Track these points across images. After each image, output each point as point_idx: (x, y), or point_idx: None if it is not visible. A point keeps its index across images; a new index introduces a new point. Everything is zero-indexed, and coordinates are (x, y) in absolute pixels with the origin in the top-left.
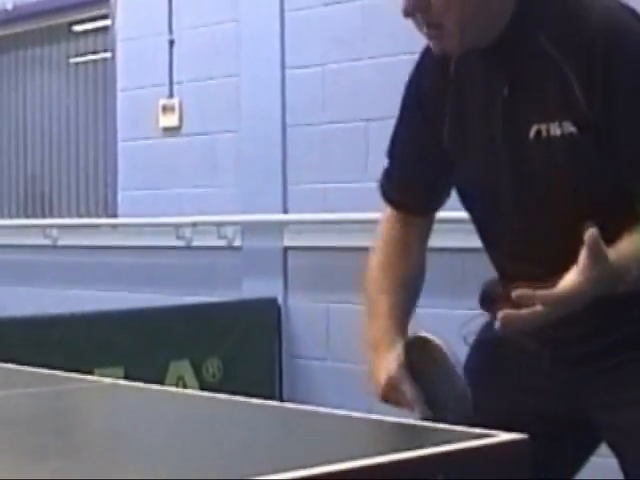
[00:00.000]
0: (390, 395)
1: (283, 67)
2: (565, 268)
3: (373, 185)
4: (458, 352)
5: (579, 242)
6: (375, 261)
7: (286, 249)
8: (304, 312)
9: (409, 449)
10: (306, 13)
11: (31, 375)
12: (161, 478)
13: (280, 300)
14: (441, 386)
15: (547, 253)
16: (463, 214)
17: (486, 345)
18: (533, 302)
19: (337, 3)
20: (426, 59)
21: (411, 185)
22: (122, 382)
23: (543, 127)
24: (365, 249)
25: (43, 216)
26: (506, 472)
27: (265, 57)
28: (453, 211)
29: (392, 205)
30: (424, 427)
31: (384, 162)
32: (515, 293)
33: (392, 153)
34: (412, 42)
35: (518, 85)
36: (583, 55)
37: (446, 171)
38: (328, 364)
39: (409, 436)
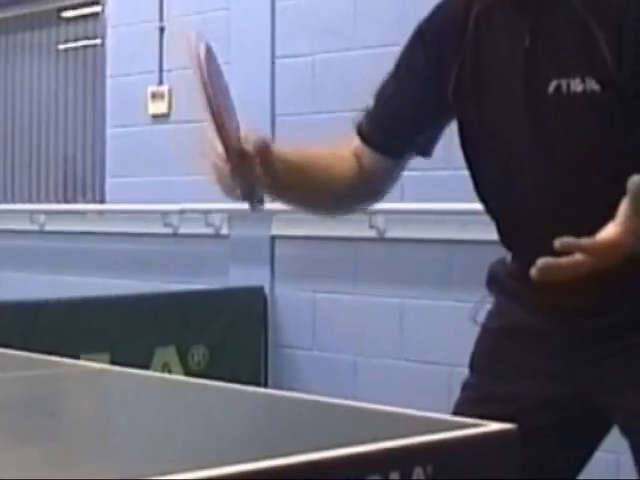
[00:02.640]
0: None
1: (273, 56)
2: (589, 232)
3: None
4: (459, 339)
5: (601, 204)
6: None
7: (273, 238)
8: (290, 301)
9: (396, 438)
10: (297, 2)
11: (19, 359)
12: (147, 462)
13: (267, 289)
14: None
15: (568, 214)
16: (449, 206)
17: (492, 331)
18: (577, 250)
19: None
20: (440, 11)
21: (390, 127)
22: (110, 367)
23: (564, 82)
24: (352, 239)
25: (30, 201)
26: (495, 461)
27: (255, 46)
28: (439, 203)
29: (362, 138)
30: (412, 416)
31: (369, 101)
32: (559, 241)
33: (380, 94)
34: (403, 32)
35: (540, 37)
36: (613, 12)
37: (433, 121)
38: (314, 353)
39: (396, 425)
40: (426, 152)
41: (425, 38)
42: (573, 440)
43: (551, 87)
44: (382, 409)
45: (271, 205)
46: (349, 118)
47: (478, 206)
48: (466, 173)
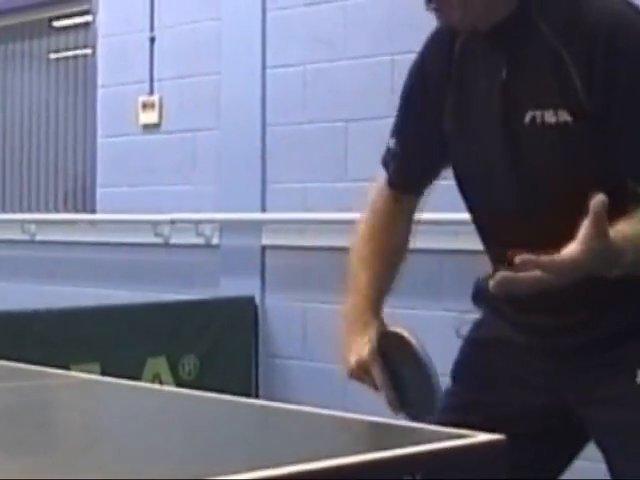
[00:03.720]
0: (359, 376)
1: (264, 66)
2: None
3: (352, 185)
4: (449, 349)
5: (574, 228)
6: (362, 230)
7: (264, 248)
8: (281, 311)
9: (386, 448)
10: (287, 12)
11: (9, 369)
12: (137, 474)
13: (257, 299)
14: (410, 380)
15: (541, 237)
16: (440, 216)
17: (477, 341)
18: (535, 267)
19: (319, 3)
20: (432, 44)
21: (412, 166)
22: (100, 378)
23: (538, 114)
24: (344, 249)
25: (21, 211)
26: (483, 472)
27: (246, 56)
28: (430, 212)
29: (390, 182)
30: (401, 427)
31: (389, 141)
32: (518, 257)
33: (397, 133)
34: (393, 43)
35: (516, 70)
36: (584, 44)
37: (442, 155)
38: (305, 363)
39: (386, 435)
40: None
41: (423, 75)
42: (552, 449)
43: (527, 118)
44: (372, 420)
45: (261, 215)
46: (340, 128)
47: (469, 216)
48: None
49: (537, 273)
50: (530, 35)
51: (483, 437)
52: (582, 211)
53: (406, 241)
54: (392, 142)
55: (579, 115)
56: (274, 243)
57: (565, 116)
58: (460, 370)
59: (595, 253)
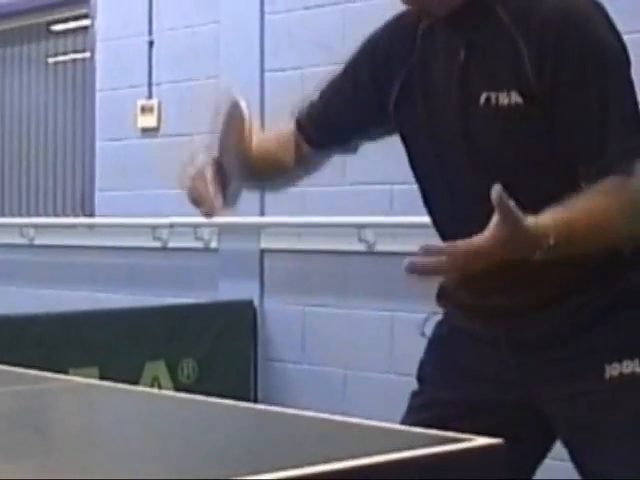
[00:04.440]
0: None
1: (262, 70)
2: None
3: (351, 189)
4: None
5: (525, 211)
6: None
7: (263, 251)
8: (280, 315)
9: (383, 452)
10: (286, 16)
11: (7, 374)
12: (135, 478)
13: (256, 302)
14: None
15: (487, 217)
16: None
17: (441, 340)
18: (437, 254)
19: (317, 7)
20: (393, 25)
21: (325, 126)
22: (97, 382)
23: (493, 95)
24: (342, 253)
25: (20, 215)
26: (481, 476)
27: (244, 59)
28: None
29: (296, 124)
30: (399, 431)
31: (313, 96)
32: (421, 246)
33: (324, 92)
34: None
35: (473, 52)
36: (537, 30)
37: (365, 126)
38: (303, 367)
39: (383, 439)
40: (353, 151)
41: (374, 51)
42: (520, 446)
43: (482, 99)
44: (370, 424)
45: (260, 219)
46: None
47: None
48: None
49: (442, 259)
50: (487, 19)
51: (481, 441)
52: (536, 198)
53: (290, 160)
54: (315, 96)
55: (530, 97)
56: (273, 247)
57: (517, 97)
58: (424, 370)
59: (505, 240)
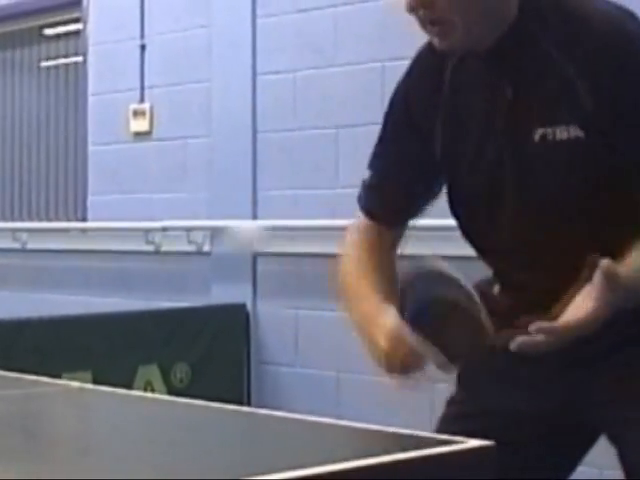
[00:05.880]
0: (396, 352)
1: (254, 73)
2: (569, 277)
3: (343, 192)
4: None
5: (585, 250)
6: (350, 268)
7: (255, 255)
8: (273, 318)
9: (376, 455)
10: (278, 20)
11: (0, 378)
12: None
13: (249, 306)
14: (450, 327)
15: (551, 262)
16: (432, 222)
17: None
18: (549, 334)
19: (309, 10)
20: (418, 68)
21: (392, 198)
22: (90, 386)
23: (549, 131)
24: (335, 256)
25: (12, 219)
26: (472, 477)
27: (237, 63)
28: (422, 218)
29: (369, 216)
30: (392, 433)
31: (365, 173)
32: (532, 327)
33: (374, 166)
34: (383, 50)
35: (522, 87)
36: (589, 59)
37: (430, 184)
38: (297, 370)
39: (376, 442)
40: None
41: (408, 104)
42: (557, 453)
43: (536, 136)
44: (363, 427)
45: (253, 222)
46: (330, 134)
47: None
48: None
49: (551, 339)
50: (532, 50)
51: (473, 443)
52: (597, 235)
53: (396, 273)
54: (368, 174)
55: (590, 130)
56: (265, 250)
57: (577, 131)
58: (464, 377)
59: (613, 302)
